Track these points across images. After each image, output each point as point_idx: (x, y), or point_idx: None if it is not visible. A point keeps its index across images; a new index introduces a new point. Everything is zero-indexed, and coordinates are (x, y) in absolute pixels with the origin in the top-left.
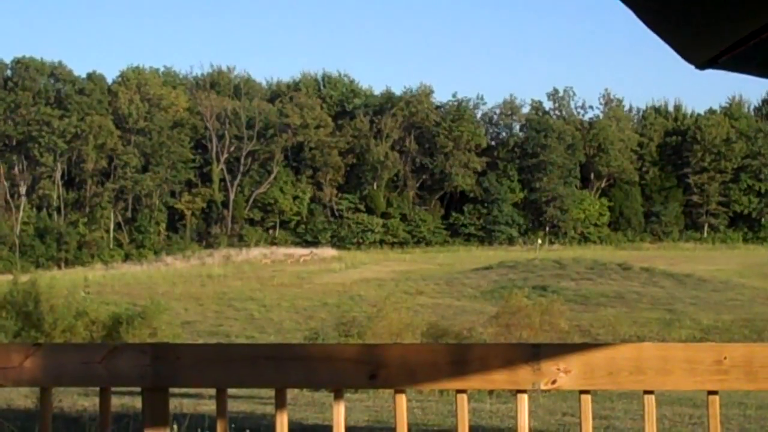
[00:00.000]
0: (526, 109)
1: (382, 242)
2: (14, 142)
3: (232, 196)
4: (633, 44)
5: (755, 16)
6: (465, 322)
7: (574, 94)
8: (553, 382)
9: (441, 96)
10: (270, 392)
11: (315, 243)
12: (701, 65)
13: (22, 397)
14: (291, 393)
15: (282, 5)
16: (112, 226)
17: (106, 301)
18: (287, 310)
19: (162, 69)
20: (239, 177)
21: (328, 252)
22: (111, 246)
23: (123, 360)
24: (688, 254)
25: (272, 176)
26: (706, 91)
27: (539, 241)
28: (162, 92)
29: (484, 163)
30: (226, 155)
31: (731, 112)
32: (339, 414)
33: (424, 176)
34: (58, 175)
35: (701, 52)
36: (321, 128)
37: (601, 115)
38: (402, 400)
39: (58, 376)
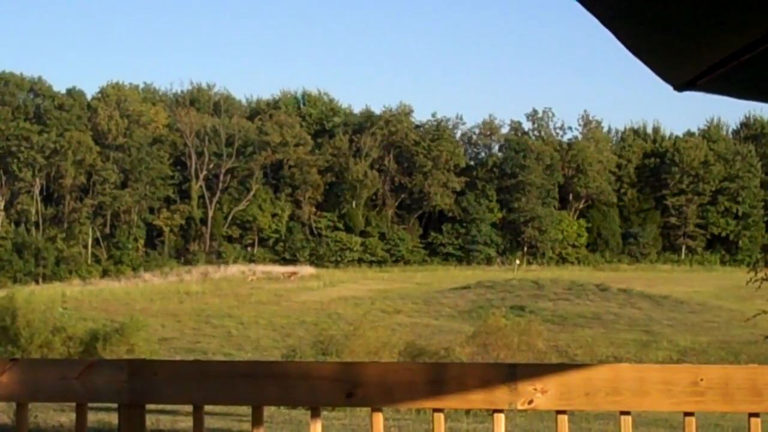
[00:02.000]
0: (505, 130)
1: (360, 261)
2: None
3: (210, 213)
4: (612, 66)
5: (734, 38)
6: (442, 341)
7: (553, 115)
8: (530, 402)
9: (420, 115)
10: (247, 409)
11: (293, 261)
12: (680, 87)
13: None
14: (268, 410)
15: (262, 23)
16: (90, 242)
17: (83, 317)
18: (265, 327)
19: (142, 85)
20: (218, 194)
21: (307, 270)
22: (89, 262)
23: (100, 376)
24: (665, 276)
25: (251, 194)
26: (684, 113)
27: (517, 262)
28: (141, 108)
29: (463, 182)
30: (205, 172)
31: (709, 134)
32: None
33: (402, 195)
34: (36, 190)
35: (680, 74)
36: (300, 146)
37: (579, 137)
38: (379, 418)
39: (34, 392)
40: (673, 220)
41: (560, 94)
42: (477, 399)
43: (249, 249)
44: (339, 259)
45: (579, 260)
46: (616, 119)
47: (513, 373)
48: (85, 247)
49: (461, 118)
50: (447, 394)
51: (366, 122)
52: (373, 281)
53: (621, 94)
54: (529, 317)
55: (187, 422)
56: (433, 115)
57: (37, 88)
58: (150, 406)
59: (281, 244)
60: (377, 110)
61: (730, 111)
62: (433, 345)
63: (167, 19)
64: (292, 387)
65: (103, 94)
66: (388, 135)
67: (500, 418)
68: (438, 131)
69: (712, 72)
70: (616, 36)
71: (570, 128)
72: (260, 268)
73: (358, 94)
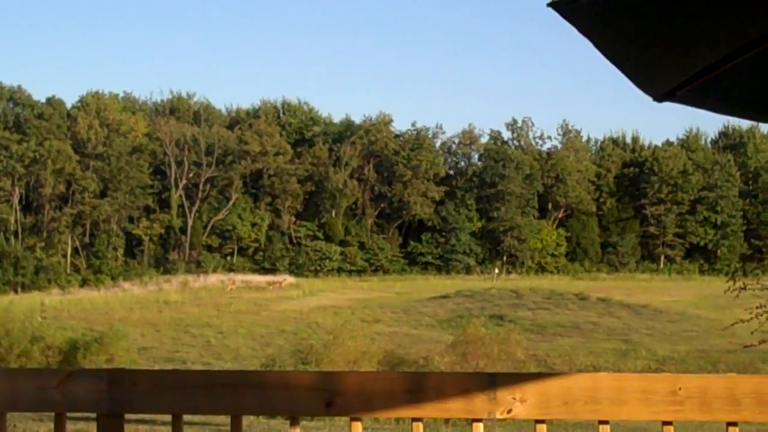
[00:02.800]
0: (484, 139)
1: (340, 270)
2: None
3: (190, 222)
4: (592, 75)
5: (712, 50)
6: (422, 350)
7: (533, 124)
8: (509, 411)
9: (400, 125)
10: (226, 419)
11: (273, 270)
12: (659, 97)
13: None
14: (247, 420)
15: (242, 32)
16: (69, 251)
17: (62, 327)
18: (244, 336)
19: (121, 94)
20: (198, 203)
21: (286, 279)
22: (68, 271)
23: (78, 385)
24: (644, 285)
25: (231, 203)
26: (663, 123)
27: (496, 271)
28: (121, 117)
29: (443, 192)
30: (184, 181)
31: (688, 144)
32: None
33: (382, 204)
34: (15, 199)
35: (659, 85)
36: (280, 155)
37: (559, 146)
38: (358, 427)
39: (13, 401)
40: (652, 229)
41: (540, 103)
42: (456, 408)
43: (228, 258)
44: (318, 268)
45: (558, 269)
46: (595, 129)
47: (492, 383)
48: (65, 256)
49: (441, 128)
50: (426, 403)
51: (346, 131)
52: (353, 290)
53: (600, 104)
54: (509, 326)
55: None
56: (413, 125)
57: (16, 97)
58: (129, 416)
59: (261, 253)
60: (357, 119)
61: (708, 121)
62: (413, 354)
63: (147, 28)
64: (271, 396)
65: (83, 103)
66: (368, 144)
67: (479, 428)
68: (418, 140)
69: (691, 83)
70: (596, 46)
71: (549, 138)
72: (240, 277)
73: (338, 103)
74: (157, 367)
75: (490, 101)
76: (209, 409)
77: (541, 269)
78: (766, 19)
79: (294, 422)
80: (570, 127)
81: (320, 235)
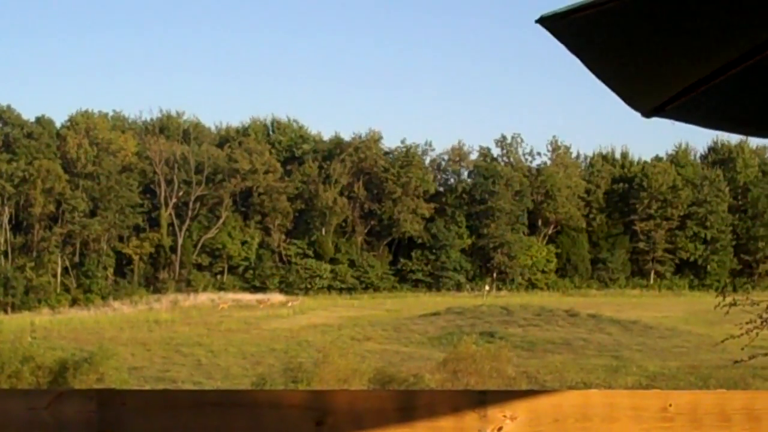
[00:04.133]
0: (474, 156)
1: (330, 288)
2: None
3: (180, 241)
4: (581, 91)
5: (700, 66)
6: (412, 368)
7: (522, 140)
8: (500, 429)
9: (390, 142)
10: None
11: (263, 288)
12: (647, 113)
13: None
14: None
15: (231, 50)
16: (59, 271)
17: (52, 347)
18: (234, 355)
19: (111, 113)
20: (187, 222)
21: (277, 297)
22: (58, 290)
23: (68, 406)
24: (634, 301)
25: (221, 221)
26: (653, 138)
27: (487, 288)
28: (111, 137)
29: (432, 209)
30: (174, 200)
31: (678, 159)
32: None
33: (372, 222)
34: (5, 219)
35: (647, 100)
36: (270, 173)
37: (548, 162)
38: None
39: (2, 423)
40: (641, 245)
41: (529, 119)
42: (447, 426)
43: (218, 277)
44: (309, 286)
45: (548, 286)
46: (584, 145)
47: (483, 400)
48: (54, 276)
49: (430, 145)
50: (417, 421)
51: (335, 149)
52: (343, 308)
53: (589, 120)
54: (499, 343)
55: None
56: (403, 142)
57: (6, 116)
58: None
59: (251, 271)
60: (346, 137)
61: (697, 136)
62: (403, 372)
63: (136, 47)
64: (261, 416)
65: (72, 123)
66: (358, 162)
67: None
68: (407, 158)
69: (679, 99)
70: (584, 63)
71: (539, 154)
72: (230, 296)
73: (328, 120)
74: (147, 387)
75: (480, 118)
76: (199, 429)
77: (532, 286)
78: (753, 34)
79: None
80: (559, 143)
81: (310, 253)
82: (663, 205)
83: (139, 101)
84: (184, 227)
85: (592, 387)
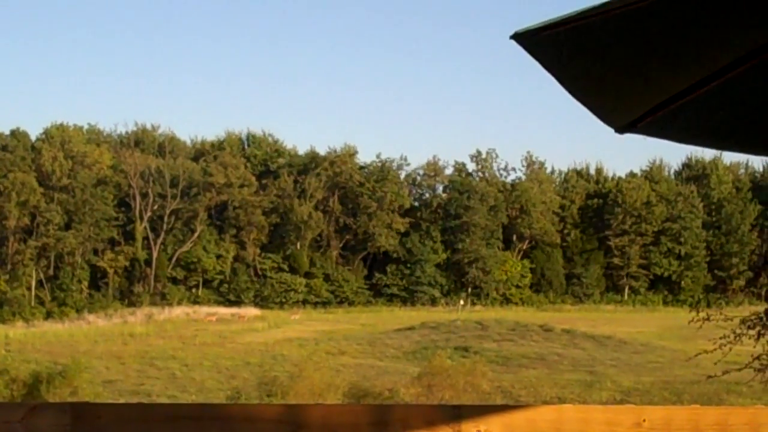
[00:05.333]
0: (449, 171)
1: (305, 302)
2: None
3: (155, 255)
4: (555, 107)
5: (672, 83)
6: (387, 382)
7: (497, 156)
8: None
9: (365, 156)
10: None
11: (238, 302)
12: (620, 129)
13: None
14: None
15: (206, 64)
16: (33, 284)
17: (26, 359)
18: (209, 369)
19: (86, 126)
20: (162, 235)
21: (251, 311)
22: (32, 304)
23: (43, 419)
24: (608, 316)
25: (196, 235)
26: (627, 154)
27: (461, 302)
28: (86, 150)
29: (407, 223)
30: (149, 213)
31: (652, 175)
32: None
33: (347, 236)
34: None
35: (620, 117)
36: (245, 187)
37: (523, 177)
38: None
39: None
40: (616, 260)
41: (504, 135)
42: None
43: (193, 290)
44: (284, 300)
45: (523, 301)
46: (559, 160)
47: (457, 415)
48: (29, 288)
49: (406, 159)
50: None
51: (311, 163)
52: (318, 322)
53: (564, 136)
54: (474, 358)
55: None
56: (378, 156)
57: None
58: None
59: (226, 285)
60: (322, 151)
61: (672, 152)
62: (378, 386)
63: (112, 60)
64: (236, 429)
65: (48, 135)
66: (333, 176)
67: None
68: (382, 172)
69: (652, 114)
70: (557, 79)
71: (514, 169)
72: (204, 310)
73: (303, 135)
74: (121, 400)
75: (455, 133)
76: None
77: (506, 300)
78: (725, 51)
79: None
80: (534, 159)
81: (285, 267)
82: (637, 221)
83: (114, 114)
84: (159, 241)
85: (566, 402)
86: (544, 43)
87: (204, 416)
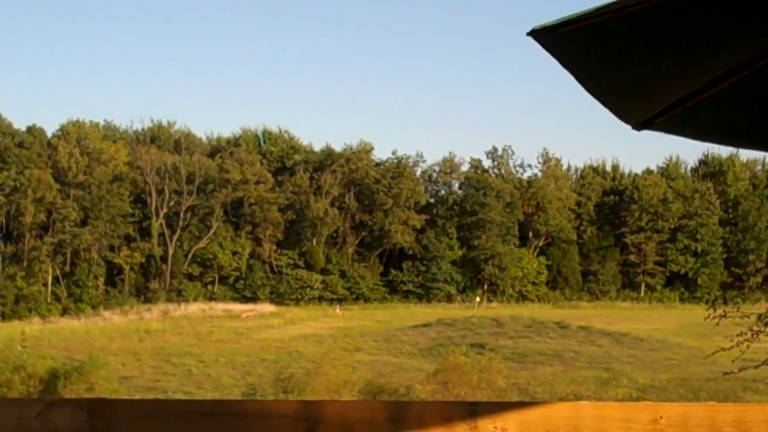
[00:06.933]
0: (465, 167)
1: (321, 298)
2: None
3: (171, 251)
4: (571, 103)
5: (690, 80)
6: (403, 379)
7: (513, 152)
8: None
9: (381, 153)
10: None
11: (254, 299)
12: (637, 126)
13: None
14: None
15: (222, 60)
16: (50, 280)
17: (43, 356)
18: (225, 365)
19: (102, 123)
20: (178, 232)
21: (267, 308)
22: (49, 300)
23: (59, 415)
24: (625, 313)
25: (211, 231)
26: (643, 151)
27: (477, 299)
28: (102, 146)
29: (423, 220)
30: (165, 210)
31: (668, 172)
32: None
33: (363, 233)
34: None
35: (637, 114)
36: (261, 184)
37: (539, 174)
38: None
39: None
40: (632, 257)
41: (520, 131)
42: None
43: (209, 287)
44: (300, 296)
45: (539, 298)
46: (575, 157)
47: (473, 411)
48: (45, 285)
49: (421, 156)
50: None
51: (326, 160)
52: (334, 319)
53: (580, 132)
54: (490, 355)
55: None
56: (394, 153)
57: None
58: None
59: (241, 281)
60: (338, 148)
61: (688, 149)
62: (394, 383)
63: (128, 57)
64: (252, 426)
65: (64, 132)
66: (349, 173)
67: None
68: (398, 169)
69: (669, 112)
70: (574, 76)
71: (530, 166)
72: (221, 306)
73: (319, 131)
74: (138, 397)
75: (471, 130)
76: None
77: (522, 297)
78: (743, 48)
79: None
80: (550, 156)
81: (301, 263)
82: (654, 218)
83: (130, 111)
84: (175, 237)
85: (582, 399)
86: (560, 40)
87: (220, 412)
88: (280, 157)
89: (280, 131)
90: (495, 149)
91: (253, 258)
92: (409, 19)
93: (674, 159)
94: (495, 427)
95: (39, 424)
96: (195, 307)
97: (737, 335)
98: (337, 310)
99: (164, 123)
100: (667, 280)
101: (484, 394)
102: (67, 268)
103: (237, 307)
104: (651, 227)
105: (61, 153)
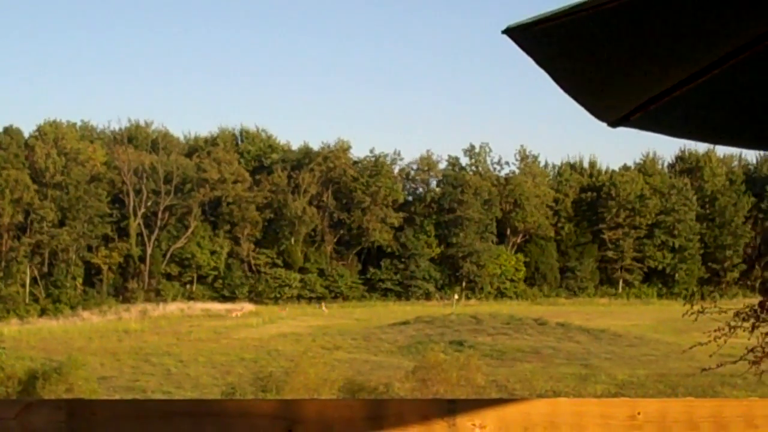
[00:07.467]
0: (442, 165)
1: (299, 297)
2: None
3: (149, 251)
4: (548, 101)
5: (664, 77)
6: (382, 377)
7: (491, 150)
8: None
9: (358, 151)
10: None
11: (232, 298)
12: (613, 123)
13: None
14: None
15: (199, 60)
16: (28, 281)
17: (21, 357)
18: (204, 365)
19: (79, 123)
20: (156, 231)
21: (246, 307)
22: (27, 300)
23: (38, 416)
24: (603, 309)
25: (189, 231)
26: (621, 147)
27: (456, 296)
28: (79, 146)
29: (401, 218)
30: (143, 210)
31: (645, 168)
32: None
33: (341, 231)
34: None
35: (612, 111)
36: (238, 183)
37: (517, 171)
38: None
39: None
40: (610, 253)
41: (497, 129)
42: None
43: (188, 286)
44: (278, 295)
45: (517, 294)
46: (552, 154)
47: (452, 409)
48: (23, 285)
49: (399, 154)
50: (386, 430)
51: (304, 158)
52: (312, 317)
53: (557, 129)
54: (468, 352)
55: None
56: (371, 151)
57: None
58: None
59: (220, 281)
60: (315, 146)
61: (665, 145)
62: (373, 381)
63: (105, 57)
64: (231, 425)
65: (41, 132)
66: (327, 171)
67: None
68: (376, 167)
69: (644, 108)
70: (549, 74)
71: (507, 163)
72: (199, 306)
73: (296, 130)
74: (117, 397)
75: (448, 128)
76: None
77: (500, 294)
78: (717, 45)
79: None
80: (527, 153)
81: (279, 262)
82: (631, 214)
83: (107, 111)
84: (153, 237)
85: (561, 395)
86: (535, 38)
87: (199, 412)
88: (257, 156)
89: (258, 130)
90: (472, 147)
91: (232, 257)
92: (386, 18)
93: (651, 155)
94: (473, 425)
95: (17, 425)
96: (174, 307)
97: (715, 331)
98: (323, 308)
99: (141, 123)
100: (645, 276)
101: (462, 391)
102: (45, 269)
103: (216, 306)
104: (628, 223)
105: (38, 153)
